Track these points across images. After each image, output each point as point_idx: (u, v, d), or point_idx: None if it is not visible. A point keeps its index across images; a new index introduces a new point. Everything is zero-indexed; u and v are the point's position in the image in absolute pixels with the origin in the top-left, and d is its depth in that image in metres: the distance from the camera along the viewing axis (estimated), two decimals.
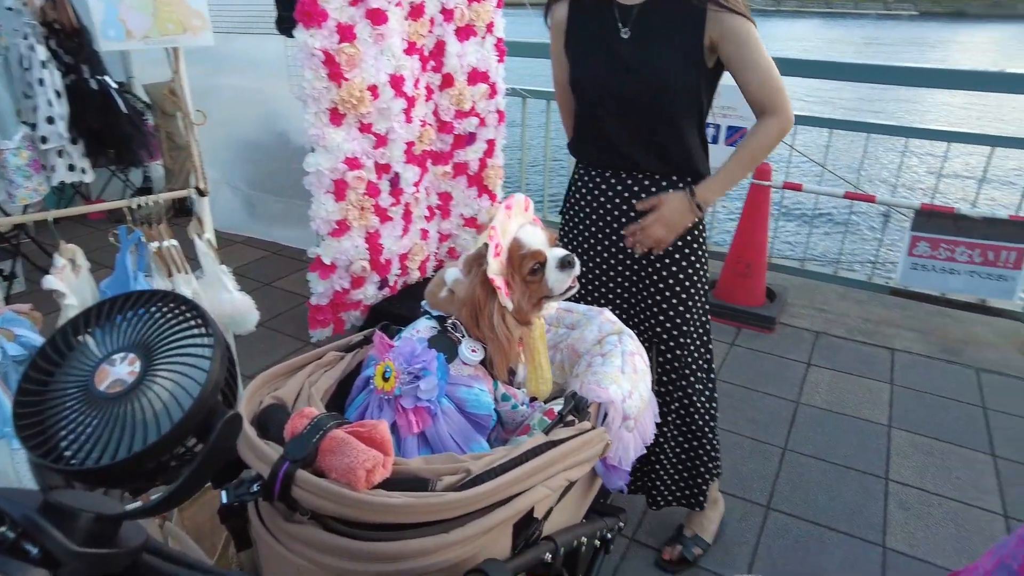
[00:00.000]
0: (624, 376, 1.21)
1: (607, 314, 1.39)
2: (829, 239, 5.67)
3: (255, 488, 0.84)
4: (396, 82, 2.59)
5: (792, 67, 3.33)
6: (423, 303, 1.23)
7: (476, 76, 3.02)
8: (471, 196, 3.29)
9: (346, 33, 2.38)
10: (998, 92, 3.64)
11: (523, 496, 0.88)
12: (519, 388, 1.20)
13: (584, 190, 1.70)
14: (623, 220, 1.65)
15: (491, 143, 3.24)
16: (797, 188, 3.13)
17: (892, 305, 3.38)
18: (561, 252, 1.19)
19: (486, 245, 1.13)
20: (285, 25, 2.69)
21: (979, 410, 2.64)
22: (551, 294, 1.22)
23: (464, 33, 2.90)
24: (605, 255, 1.71)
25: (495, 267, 1.10)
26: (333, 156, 2.54)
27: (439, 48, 2.86)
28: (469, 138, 3.14)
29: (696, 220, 1.60)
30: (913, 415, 2.60)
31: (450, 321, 1.14)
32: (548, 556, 0.96)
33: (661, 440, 1.77)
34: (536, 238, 1.19)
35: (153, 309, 0.63)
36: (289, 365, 1.07)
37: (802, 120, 3.50)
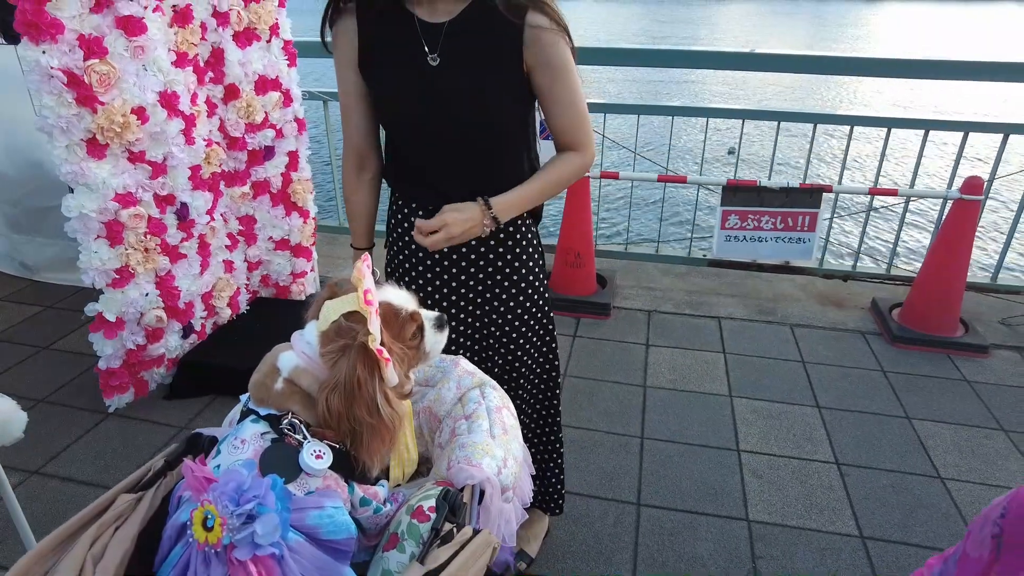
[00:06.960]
0: (495, 441, 1.06)
1: (463, 364, 1.23)
2: (651, 220, 5.95)
3: None
4: (168, 100, 2.21)
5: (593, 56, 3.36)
6: (245, 398, 0.98)
7: (265, 84, 2.68)
8: (278, 216, 2.95)
9: (93, 47, 1.97)
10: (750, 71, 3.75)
11: None
12: (378, 482, 1.00)
13: (405, 226, 1.46)
14: (447, 263, 1.44)
15: (293, 155, 2.93)
16: (614, 176, 3.16)
17: (710, 275, 3.58)
18: (433, 312, 1.08)
19: (349, 315, 0.94)
20: (11, 34, 2.18)
21: (799, 365, 2.86)
22: (427, 359, 1.08)
23: (245, 38, 2.55)
24: (439, 291, 1.49)
25: (379, 337, 0.91)
26: (99, 195, 2.11)
27: (217, 57, 2.50)
28: (266, 152, 2.80)
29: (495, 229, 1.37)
30: (747, 380, 2.75)
31: (286, 421, 0.91)
32: None
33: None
34: (406, 298, 1.04)
35: None
36: (62, 532, 0.78)
37: (612, 108, 3.56)
